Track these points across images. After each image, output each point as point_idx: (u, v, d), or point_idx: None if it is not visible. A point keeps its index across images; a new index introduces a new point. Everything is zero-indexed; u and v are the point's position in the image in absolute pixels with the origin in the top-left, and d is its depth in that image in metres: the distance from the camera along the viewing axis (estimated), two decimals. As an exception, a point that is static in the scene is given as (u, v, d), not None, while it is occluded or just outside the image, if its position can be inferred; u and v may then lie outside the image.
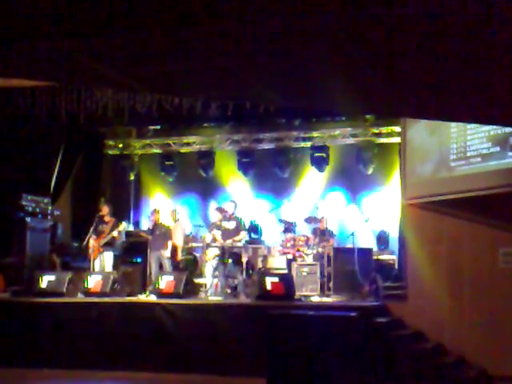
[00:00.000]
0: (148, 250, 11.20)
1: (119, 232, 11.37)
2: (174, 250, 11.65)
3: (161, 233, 11.24)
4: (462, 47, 3.78)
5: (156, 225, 11.43)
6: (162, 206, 13.05)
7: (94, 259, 11.18)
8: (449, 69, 4.27)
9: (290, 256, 11.61)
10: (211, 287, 10.59)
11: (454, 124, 8.76)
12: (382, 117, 12.51)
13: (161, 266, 11.11)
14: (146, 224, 14.02)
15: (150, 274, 11.04)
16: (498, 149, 8.23)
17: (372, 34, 3.52)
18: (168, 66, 4.37)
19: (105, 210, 11.38)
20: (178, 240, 11.97)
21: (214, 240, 10.73)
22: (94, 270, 11.06)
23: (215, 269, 10.61)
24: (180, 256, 12.06)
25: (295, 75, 4.61)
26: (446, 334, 8.82)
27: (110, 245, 11.27)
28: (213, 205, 13.40)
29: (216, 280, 10.58)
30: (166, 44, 3.86)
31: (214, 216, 11.17)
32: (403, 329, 8.91)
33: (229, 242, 10.56)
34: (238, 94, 6.00)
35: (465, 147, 8.70)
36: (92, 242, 11.14)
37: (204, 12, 3.20)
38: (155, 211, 11.66)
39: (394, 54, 4.00)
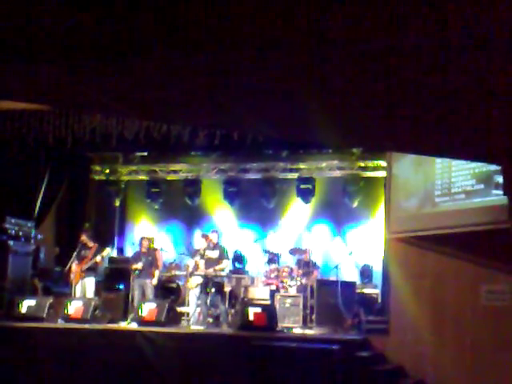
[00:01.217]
0: (131, 277, 11.12)
1: (102, 257, 11.29)
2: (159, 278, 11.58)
3: (147, 261, 11.17)
4: (454, 83, 3.85)
5: (142, 253, 11.37)
6: (147, 233, 12.99)
7: (76, 284, 11.09)
8: (437, 104, 4.34)
9: (273, 287, 11.57)
10: (194, 316, 10.51)
11: (438, 160, 8.84)
12: (368, 150, 12.61)
13: (143, 294, 11.02)
14: (130, 251, 13.93)
15: (132, 300, 10.94)
16: (482, 186, 8.30)
17: (364, 69, 3.58)
18: (160, 92, 4.40)
19: (84, 239, 11.33)
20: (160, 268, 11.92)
21: (197, 268, 10.69)
22: (75, 295, 10.96)
23: (198, 297, 10.55)
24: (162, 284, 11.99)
25: (283, 108, 4.66)
26: (428, 370, 8.78)
27: (92, 270, 11.18)
28: (198, 233, 13.34)
29: (199, 309, 10.51)
30: (158, 71, 3.89)
31: (199, 243, 11.15)
32: (385, 363, 8.88)
33: (210, 271, 10.53)
34: (227, 123, 6.05)
35: (449, 183, 8.77)
36: (74, 267, 11.06)
37: (200, 43, 3.24)
38: (143, 239, 11.62)
39: (383, 89, 4.07)
